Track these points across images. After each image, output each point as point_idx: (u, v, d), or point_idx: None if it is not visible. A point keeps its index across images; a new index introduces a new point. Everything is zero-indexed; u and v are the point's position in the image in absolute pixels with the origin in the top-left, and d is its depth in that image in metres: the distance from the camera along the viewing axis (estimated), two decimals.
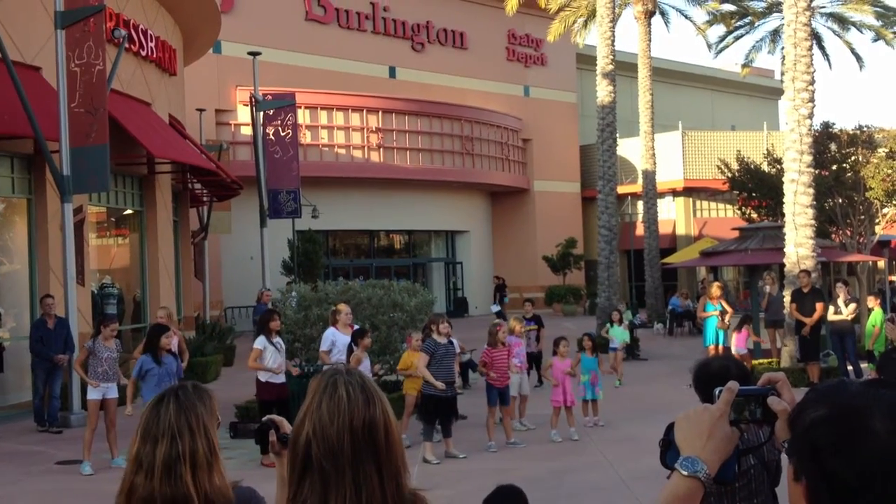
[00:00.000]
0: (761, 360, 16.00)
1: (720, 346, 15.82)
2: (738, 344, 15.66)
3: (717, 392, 1.61)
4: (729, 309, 16.48)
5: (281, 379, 10.51)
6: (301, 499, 1.90)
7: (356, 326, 10.95)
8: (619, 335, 16.69)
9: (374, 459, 1.88)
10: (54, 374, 12.69)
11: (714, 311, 16.26)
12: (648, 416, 12.87)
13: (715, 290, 16.65)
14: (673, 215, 37.52)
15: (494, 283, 35.18)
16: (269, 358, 10.47)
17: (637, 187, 33.30)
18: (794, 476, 1.37)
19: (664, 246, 33.04)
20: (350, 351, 10.34)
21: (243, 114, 28.92)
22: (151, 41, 18.40)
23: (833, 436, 1.31)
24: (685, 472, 1.52)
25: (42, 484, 9.59)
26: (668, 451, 1.61)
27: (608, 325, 17.29)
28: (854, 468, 1.28)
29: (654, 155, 31.03)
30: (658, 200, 32.11)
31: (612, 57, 24.89)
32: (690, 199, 37.66)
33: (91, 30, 13.40)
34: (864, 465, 1.27)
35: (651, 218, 30.94)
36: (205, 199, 23.55)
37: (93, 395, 10.24)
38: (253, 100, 22.59)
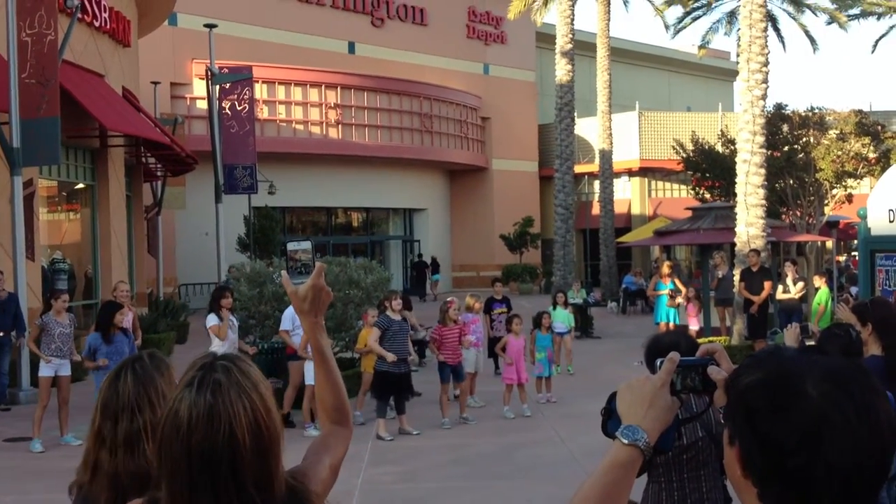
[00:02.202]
0: (711, 338, 16.28)
1: (671, 324, 16.09)
2: (690, 322, 15.98)
3: (658, 363, 1.63)
4: (682, 288, 16.71)
5: None
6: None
7: None
8: (563, 319, 14.93)
9: (212, 494, 1.72)
10: (2, 350, 12.39)
11: (664, 290, 16.50)
12: (600, 393, 12.99)
13: (665, 268, 16.89)
14: (628, 195, 37.82)
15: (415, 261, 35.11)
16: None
17: (594, 167, 33.49)
18: (728, 440, 1.40)
19: (619, 225, 33.32)
20: None
21: (199, 87, 28.49)
22: (105, 11, 18.01)
23: (767, 399, 1.33)
24: (626, 441, 1.54)
25: None
26: (610, 419, 1.63)
27: (551, 307, 15.08)
28: (787, 430, 1.30)
29: (611, 135, 31.21)
30: (614, 180, 32.35)
31: (571, 36, 24.97)
32: (646, 179, 37.96)
33: None
34: (796, 428, 1.30)
35: (607, 197, 31.17)
36: (159, 173, 23.22)
37: (44, 371, 10.02)
38: (209, 73, 22.29)
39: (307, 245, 2.21)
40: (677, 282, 16.68)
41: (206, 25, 22.33)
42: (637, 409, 1.57)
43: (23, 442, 10.17)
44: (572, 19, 25.09)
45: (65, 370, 10.16)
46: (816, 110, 24.61)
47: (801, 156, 23.59)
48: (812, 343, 8.84)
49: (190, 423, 1.72)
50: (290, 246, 2.19)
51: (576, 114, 26.00)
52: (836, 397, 1.30)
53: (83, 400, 10.39)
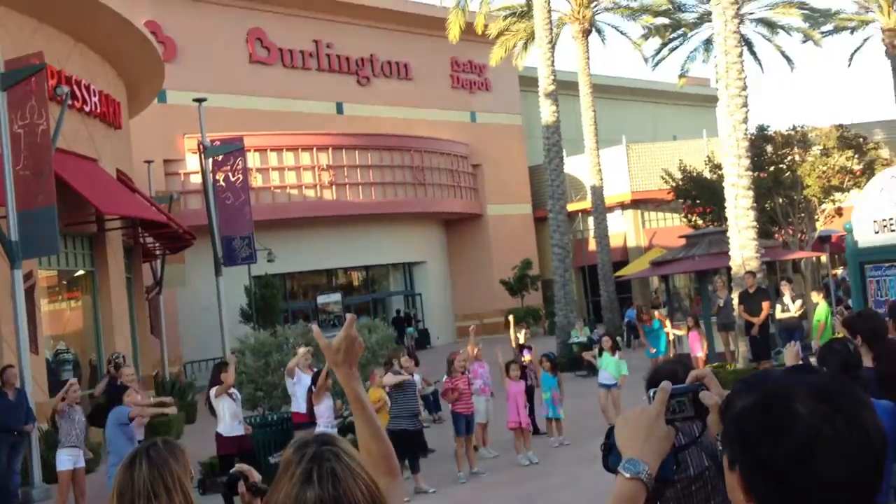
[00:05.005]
0: (715, 364, 16.34)
1: (669, 355, 16.31)
2: (693, 349, 16.06)
3: (651, 393, 1.66)
4: (664, 320, 17.30)
5: (240, 431, 10.52)
6: None
7: (315, 369, 11.03)
8: (612, 367, 12.83)
9: None
10: (17, 448, 12.12)
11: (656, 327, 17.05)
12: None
13: (647, 316, 17.67)
14: (623, 228, 38.01)
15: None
16: (227, 410, 10.47)
17: (586, 203, 33.67)
18: (728, 465, 1.41)
19: (616, 259, 33.39)
20: (311, 393, 10.43)
21: (192, 162, 28.80)
22: (95, 96, 18.13)
23: (760, 422, 1.34)
24: (627, 475, 1.55)
25: None
26: (610, 454, 1.64)
27: (597, 354, 13.55)
28: (782, 451, 1.31)
29: (600, 170, 31.35)
30: (607, 215, 32.51)
31: (553, 77, 25.31)
32: (638, 211, 38.19)
33: (33, 89, 13.11)
34: (791, 448, 1.31)
35: (602, 233, 31.23)
36: (157, 252, 23.30)
37: (64, 465, 9.97)
38: (201, 147, 22.49)
39: (337, 297, 2.24)
40: (657, 315, 17.15)
41: (196, 100, 22.57)
42: (635, 441, 1.59)
43: None
44: (553, 61, 25.48)
45: (81, 462, 10.14)
46: (798, 128, 24.90)
47: (787, 174, 23.81)
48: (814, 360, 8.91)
49: None
50: (321, 299, 2.22)
51: (564, 153, 26.27)
52: (824, 412, 1.32)
53: (95, 492, 10.38)
